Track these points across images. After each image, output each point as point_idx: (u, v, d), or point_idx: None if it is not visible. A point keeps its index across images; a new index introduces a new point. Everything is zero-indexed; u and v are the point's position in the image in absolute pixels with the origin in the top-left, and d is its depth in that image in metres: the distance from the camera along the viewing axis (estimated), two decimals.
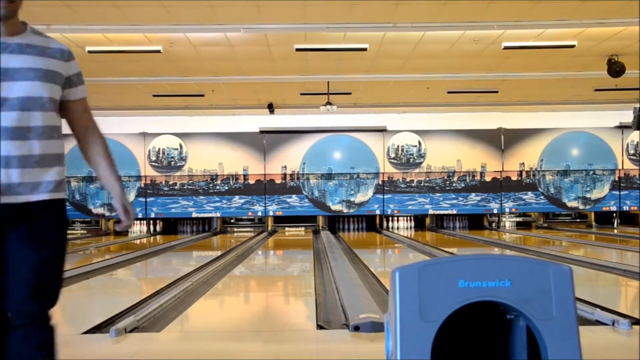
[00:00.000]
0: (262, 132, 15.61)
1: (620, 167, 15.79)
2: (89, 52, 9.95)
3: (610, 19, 8.91)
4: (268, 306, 5.88)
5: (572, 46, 10.10)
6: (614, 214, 16.20)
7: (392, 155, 15.64)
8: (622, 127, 15.54)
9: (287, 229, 15.85)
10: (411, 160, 15.65)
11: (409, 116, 16.22)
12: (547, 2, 8.10)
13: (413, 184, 15.65)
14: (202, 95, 13.75)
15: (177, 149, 15.53)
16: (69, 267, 8.09)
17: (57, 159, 2.33)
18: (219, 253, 10.06)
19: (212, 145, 15.54)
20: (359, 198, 15.59)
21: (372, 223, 15.94)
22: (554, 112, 16.27)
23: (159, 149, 15.48)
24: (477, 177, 15.72)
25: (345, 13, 8.44)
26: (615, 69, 10.69)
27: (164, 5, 8.00)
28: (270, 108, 14.84)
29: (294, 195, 15.57)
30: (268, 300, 6.24)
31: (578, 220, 16.65)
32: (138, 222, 15.81)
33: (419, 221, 16.26)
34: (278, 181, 15.57)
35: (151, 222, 15.81)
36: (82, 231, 16.14)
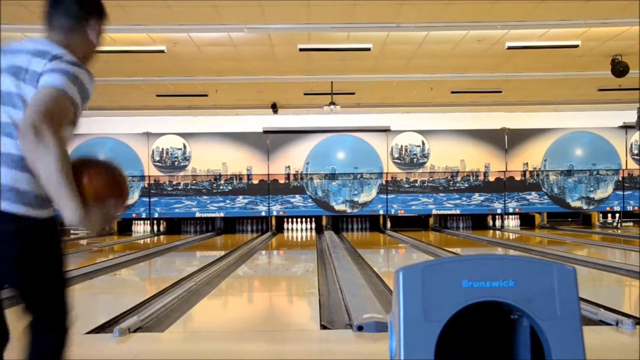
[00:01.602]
0: (265, 132, 15.62)
1: (624, 167, 15.76)
2: None
3: (614, 19, 8.90)
4: (271, 306, 5.88)
5: (576, 46, 10.10)
6: (618, 214, 16.19)
7: (396, 155, 15.64)
8: (626, 127, 15.52)
9: (290, 228, 15.86)
10: (415, 160, 15.64)
11: (412, 116, 16.21)
12: (551, 2, 8.09)
13: (417, 184, 15.64)
14: (206, 95, 13.76)
15: (180, 148, 15.55)
16: (72, 267, 8.12)
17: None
18: (222, 253, 10.07)
19: (215, 145, 15.55)
20: (363, 198, 15.59)
21: (375, 223, 15.94)
22: (557, 112, 16.25)
23: (162, 148, 15.50)
24: (481, 177, 15.71)
25: (349, 13, 8.44)
26: (619, 69, 10.67)
27: (168, 6, 8.01)
28: (274, 108, 14.85)
29: (297, 195, 15.57)
30: (271, 300, 6.25)
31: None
32: (142, 222, 15.84)
33: (423, 221, 16.30)
34: (281, 181, 15.57)
35: (155, 222, 15.83)
36: (86, 231, 16.15)
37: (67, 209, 1.95)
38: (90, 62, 2.33)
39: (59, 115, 1.97)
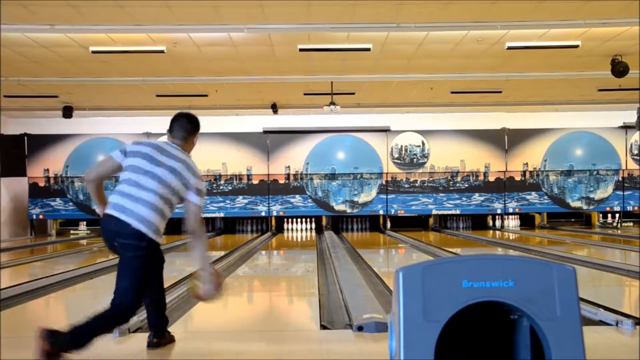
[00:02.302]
0: (265, 132, 15.62)
1: (624, 167, 15.76)
2: (93, 52, 9.96)
3: (614, 19, 8.90)
4: (272, 306, 5.88)
5: (576, 46, 10.09)
6: (618, 214, 16.20)
7: (396, 156, 15.64)
8: (626, 127, 15.52)
9: (290, 228, 15.86)
10: (415, 160, 15.64)
11: (412, 116, 16.22)
12: (551, 2, 8.09)
13: (416, 184, 15.64)
14: (206, 96, 13.76)
15: None
16: (72, 267, 8.13)
17: None
18: (222, 253, 10.07)
19: (215, 146, 15.54)
20: (363, 198, 15.59)
21: (375, 223, 15.94)
22: (557, 112, 16.26)
23: None
24: (481, 177, 15.71)
25: (349, 13, 8.43)
26: (619, 69, 10.66)
27: (168, 6, 8.01)
28: (274, 108, 14.84)
29: (297, 196, 15.57)
30: (271, 300, 6.25)
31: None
32: None
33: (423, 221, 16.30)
34: (281, 181, 15.57)
35: None
36: (86, 231, 16.17)
37: (207, 272, 3.73)
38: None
39: (201, 219, 3.88)
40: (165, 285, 6.31)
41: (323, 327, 4.40)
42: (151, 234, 3.56)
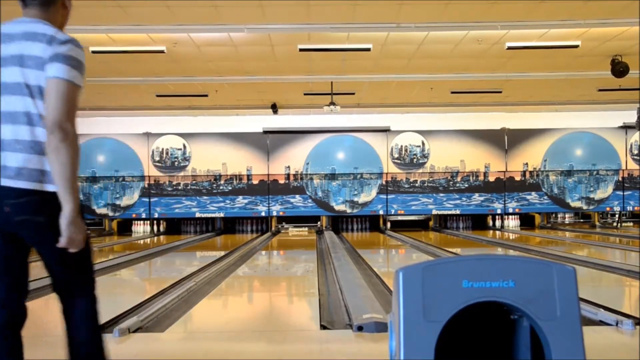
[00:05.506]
0: (265, 132, 15.61)
1: (624, 167, 15.76)
2: (93, 52, 9.96)
3: (613, 19, 8.91)
4: (271, 306, 5.88)
5: (576, 46, 10.10)
6: (618, 214, 16.21)
7: (396, 156, 15.63)
8: (626, 127, 15.52)
9: (290, 229, 15.86)
10: (415, 160, 15.64)
11: (412, 116, 16.21)
12: (551, 2, 8.10)
13: (416, 184, 15.64)
14: (206, 96, 13.76)
15: (180, 149, 15.55)
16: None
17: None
18: (222, 253, 10.07)
19: (215, 146, 15.54)
20: (363, 198, 15.58)
21: (375, 223, 15.93)
22: (557, 112, 16.26)
23: (162, 149, 15.49)
24: (481, 178, 15.71)
25: (349, 13, 8.44)
26: (619, 69, 10.67)
27: (168, 6, 8.01)
28: (274, 108, 14.84)
29: (297, 196, 15.56)
30: (271, 300, 6.25)
31: (582, 220, 16.68)
32: (142, 222, 15.83)
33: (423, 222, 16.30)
34: (281, 181, 15.57)
35: (154, 222, 15.82)
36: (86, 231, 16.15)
37: (70, 203, 2.28)
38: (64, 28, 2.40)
39: (74, 109, 2.23)
40: (165, 285, 6.36)
41: (323, 327, 4.40)
42: (40, 185, 2.32)
